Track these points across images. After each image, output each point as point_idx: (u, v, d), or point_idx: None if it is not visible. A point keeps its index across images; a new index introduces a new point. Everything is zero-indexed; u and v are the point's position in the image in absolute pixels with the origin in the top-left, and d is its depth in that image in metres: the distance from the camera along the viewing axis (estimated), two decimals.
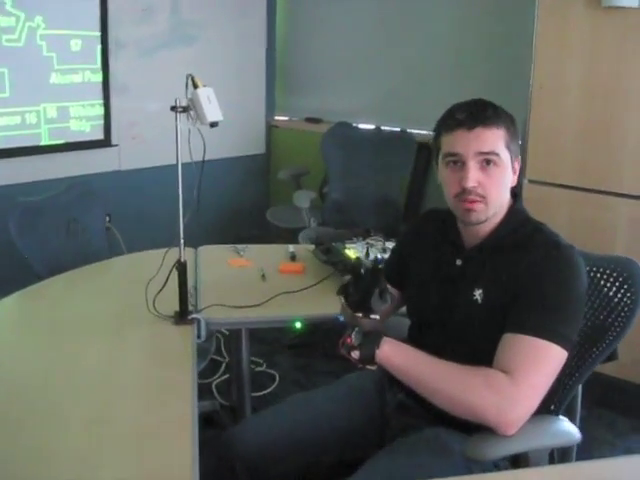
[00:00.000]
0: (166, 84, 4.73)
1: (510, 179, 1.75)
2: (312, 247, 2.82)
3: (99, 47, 4.40)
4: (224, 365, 3.66)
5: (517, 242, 1.73)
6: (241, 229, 5.30)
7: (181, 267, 2.13)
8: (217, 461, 1.90)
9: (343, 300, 1.76)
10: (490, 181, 1.69)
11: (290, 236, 4.38)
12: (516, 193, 1.82)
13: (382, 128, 4.87)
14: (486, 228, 1.77)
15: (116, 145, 4.64)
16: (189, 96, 2.01)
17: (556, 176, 3.24)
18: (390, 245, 2.64)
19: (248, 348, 2.44)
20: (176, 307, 2.19)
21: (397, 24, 4.92)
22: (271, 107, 5.69)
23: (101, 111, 4.52)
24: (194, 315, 2.17)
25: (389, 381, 1.91)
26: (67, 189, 3.15)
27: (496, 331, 1.66)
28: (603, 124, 3.20)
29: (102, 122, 4.54)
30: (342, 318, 1.74)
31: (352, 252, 2.57)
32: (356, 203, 4.58)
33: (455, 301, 1.79)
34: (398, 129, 4.75)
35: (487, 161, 1.68)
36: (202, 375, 3.09)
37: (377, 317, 1.68)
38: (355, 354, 1.64)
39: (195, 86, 2.01)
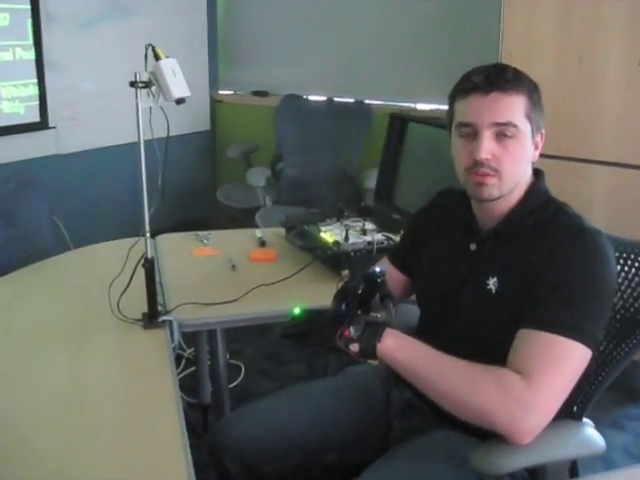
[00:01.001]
0: (105, 60, 4.51)
1: (530, 154, 1.55)
2: (282, 231, 2.61)
3: (29, 21, 4.05)
4: (184, 360, 3.44)
5: (537, 225, 1.54)
6: (189, 211, 5.10)
7: (148, 264, 1.89)
8: (207, 455, 1.74)
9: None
10: (505, 154, 1.50)
11: (244, 217, 4.19)
12: (538, 171, 1.63)
13: (335, 99, 4.66)
14: (503, 208, 1.58)
15: (53, 127, 4.33)
16: (150, 69, 1.76)
17: None
18: (370, 226, 2.44)
19: (224, 347, 2.21)
20: (142, 308, 1.95)
21: None
22: (214, 81, 5.45)
23: (35, 91, 4.18)
24: (165, 317, 1.94)
25: (396, 378, 1.73)
26: (5, 179, 2.86)
27: (511, 325, 1.47)
28: (577, 90, 3.07)
29: (37, 103, 4.20)
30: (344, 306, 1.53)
31: (329, 235, 2.36)
32: (313, 179, 4.39)
33: (467, 290, 1.60)
34: (352, 100, 4.54)
35: (503, 132, 1.49)
36: None
37: (377, 315, 1.51)
38: (354, 347, 1.46)
39: (157, 58, 1.77)
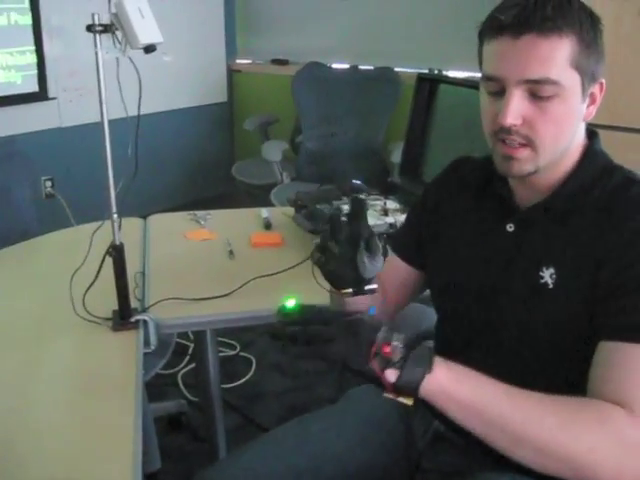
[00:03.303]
0: None
1: (579, 113, 1.15)
2: (291, 211, 2.25)
3: None
4: (192, 349, 3.11)
5: (605, 199, 1.15)
6: (204, 188, 4.84)
7: (117, 253, 1.54)
8: None
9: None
10: (542, 118, 1.11)
11: (261, 194, 3.87)
12: (592, 131, 1.23)
13: (360, 67, 4.28)
14: (549, 180, 1.19)
15: (54, 98, 4.03)
16: (112, 10, 1.40)
17: None
18: (392, 205, 2.08)
19: (216, 356, 1.85)
20: (114, 305, 1.61)
21: None
22: (232, 49, 5.15)
23: (33, 59, 3.87)
24: (139, 316, 1.59)
25: (414, 403, 1.36)
26: None
27: (574, 332, 1.11)
28: (636, 49, 2.65)
29: (35, 72, 3.89)
30: (373, 311, 1.12)
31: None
32: (335, 154, 4.03)
33: (509, 286, 1.21)
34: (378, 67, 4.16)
35: (538, 92, 1.10)
36: (165, 366, 2.56)
37: (374, 286, 1.13)
38: (391, 375, 1.04)
39: None
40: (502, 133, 1.13)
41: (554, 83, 1.08)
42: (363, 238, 1.21)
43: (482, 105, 1.19)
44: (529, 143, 1.12)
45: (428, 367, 1.04)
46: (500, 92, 1.12)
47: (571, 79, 1.10)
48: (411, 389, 1.04)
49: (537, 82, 1.08)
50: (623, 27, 2.65)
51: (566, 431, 0.99)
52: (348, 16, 4.52)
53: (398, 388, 1.05)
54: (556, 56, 1.08)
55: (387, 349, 1.04)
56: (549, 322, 1.15)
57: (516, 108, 1.10)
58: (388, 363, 1.04)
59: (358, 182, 1.13)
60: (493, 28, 1.12)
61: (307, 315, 1.21)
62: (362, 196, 1.16)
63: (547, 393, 1.03)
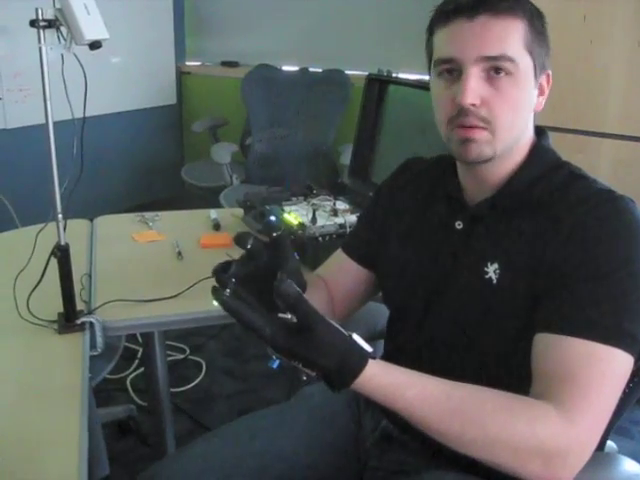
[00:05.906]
0: None
1: (532, 100, 1.16)
2: (240, 212, 2.23)
3: None
4: (141, 353, 3.07)
5: (547, 195, 1.16)
6: (154, 191, 4.79)
7: (62, 253, 1.51)
8: None
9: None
10: (499, 98, 1.11)
11: (210, 196, 3.85)
12: (539, 129, 1.25)
13: (309, 69, 4.27)
14: (499, 174, 1.20)
15: None
16: (57, 5, 1.37)
17: None
18: (342, 206, 2.07)
19: (165, 359, 1.82)
20: (60, 308, 1.57)
21: None
22: (181, 52, 5.10)
23: None
24: (85, 318, 1.56)
25: (366, 402, 1.36)
26: None
27: (519, 326, 1.11)
28: (581, 52, 2.70)
29: None
30: (276, 364, 1.01)
31: (294, 217, 1.99)
32: (284, 156, 4.03)
33: (455, 280, 1.22)
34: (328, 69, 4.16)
35: (496, 69, 1.10)
36: (113, 371, 2.53)
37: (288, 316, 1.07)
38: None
39: None
40: (460, 117, 1.13)
41: (511, 60, 1.10)
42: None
43: (435, 94, 1.19)
44: (487, 125, 1.12)
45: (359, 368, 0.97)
46: (456, 75, 1.13)
47: (525, 62, 1.12)
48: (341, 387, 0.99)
49: (494, 59, 1.09)
50: (568, 30, 2.70)
51: (499, 425, 0.98)
52: (298, 18, 4.52)
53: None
54: (511, 35, 1.10)
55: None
56: (493, 317, 1.16)
57: (475, 87, 1.10)
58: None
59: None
60: (447, 12, 1.13)
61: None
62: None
63: (490, 386, 1.03)
